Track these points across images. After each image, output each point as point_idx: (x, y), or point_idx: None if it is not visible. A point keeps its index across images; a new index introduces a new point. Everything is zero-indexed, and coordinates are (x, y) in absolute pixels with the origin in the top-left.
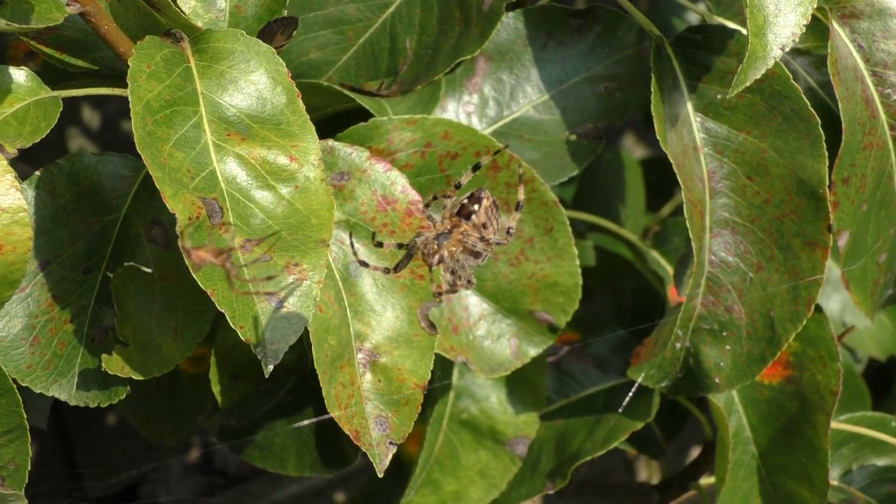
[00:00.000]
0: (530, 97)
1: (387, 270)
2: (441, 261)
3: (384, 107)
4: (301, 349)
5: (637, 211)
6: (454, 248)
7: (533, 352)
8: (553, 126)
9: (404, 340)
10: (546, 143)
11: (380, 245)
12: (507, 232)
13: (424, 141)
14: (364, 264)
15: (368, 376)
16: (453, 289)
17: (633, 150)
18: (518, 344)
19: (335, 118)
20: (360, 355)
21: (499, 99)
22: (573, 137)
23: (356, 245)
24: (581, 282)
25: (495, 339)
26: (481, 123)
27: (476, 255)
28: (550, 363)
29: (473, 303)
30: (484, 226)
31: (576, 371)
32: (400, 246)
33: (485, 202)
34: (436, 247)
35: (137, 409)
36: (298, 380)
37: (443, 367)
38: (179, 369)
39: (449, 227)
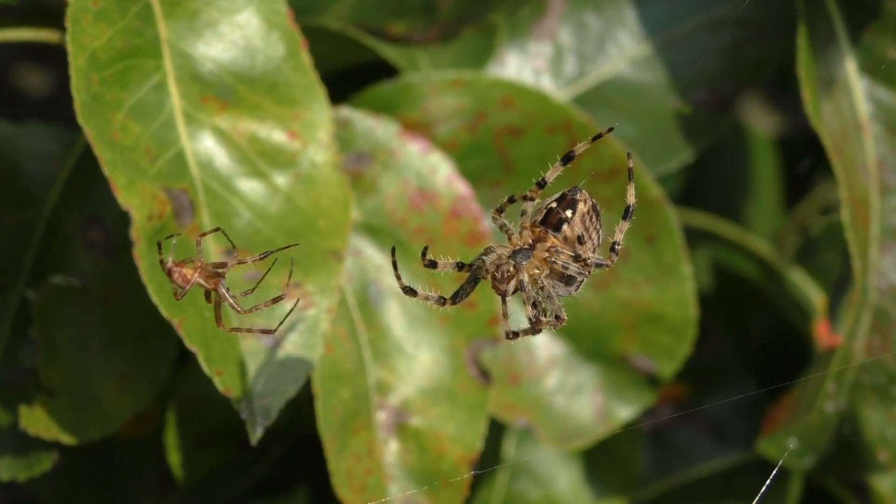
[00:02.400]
0: (626, 49)
1: (442, 301)
2: (520, 288)
3: (417, 59)
4: (296, 404)
5: (770, 213)
6: (538, 271)
7: (625, 413)
8: (657, 91)
9: (445, 394)
10: (647, 115)
11: (432, 265)
12: (612, 249)
13: (475, 110)
14: (410, 292)
15: (394, 445)
16: (535, 328)
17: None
18: (604, 401)
19: (346, 76)
20: (382, 415)
21: (581, 51)
22: (686, 107)
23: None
24: (696, 314)
25: (571, 395)
26: (556, 85)
27: (568, 280)
28: (648, 430)
29: (541, 343)
30: (579, 239)
31: (683, 441)
32: (460, 266)
33: (581, 207)
34: (512, 268)
35: (54, 487)
36: (290, 448)
37: (494, 433)
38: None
39: (531, 242)
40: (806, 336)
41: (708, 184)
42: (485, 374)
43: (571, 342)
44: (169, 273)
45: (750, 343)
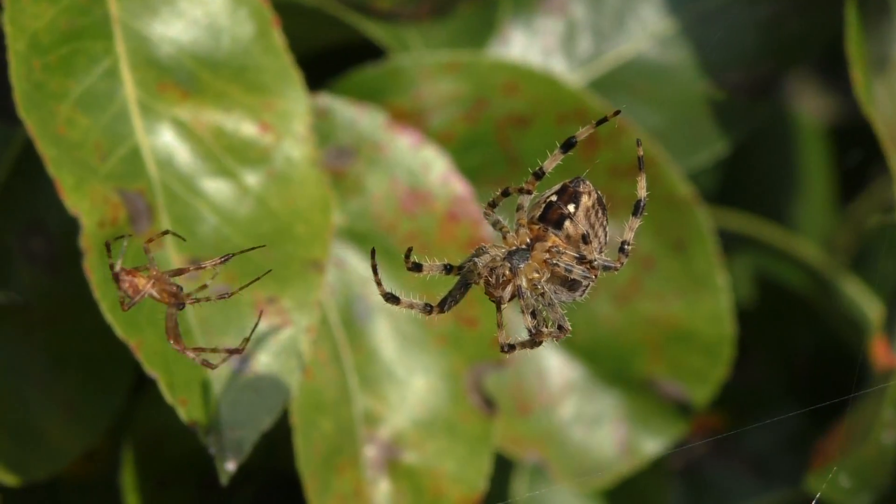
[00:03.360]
0: (649, 25)
1: (428, 309)
2: (517, 294)
3: (407, 38)
4: (270, 438)
5: (820, 213)
6: (537, 275)
7: (651, 446)
8: (685, 73)
9: (443, 426)
10: (674, 101)
11: (417, 268)
12: (621, 249)
13: (475, 96)
14: (392, 299)
15: (385, 485)
16: (535, 339)
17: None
18: (627, 433)
19: (324, 58)
20: (370, 450)
21: (597, 27)
22: (719, 91)
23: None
24: (733, 332)
25: (590, 426)
26: (568, 67)
27: (572, 284)
28: (678, 465)
29: (554, 366)
30: (584, 238)
31: (720, 478)
32: (448, 269)
33: (584, 200)
34: (508, 271)
35: None
36: (263, 488)
37: (501, 470)
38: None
39: (529, 241)
40: (860, 356)
41: (747, 180)
42: (489, 403)
43: (590, 364)
44: (116, 279)
45: (796, 364)
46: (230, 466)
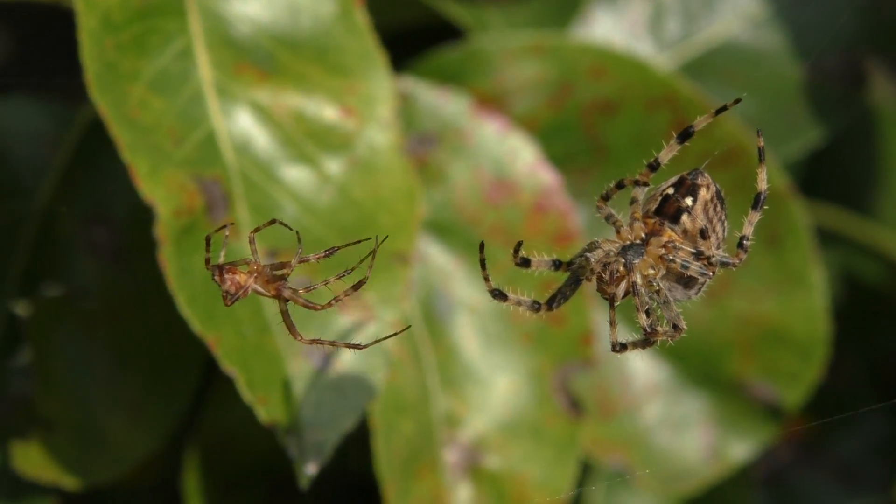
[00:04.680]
0: (741, 6)
1: (536, 307)
2: (631, 291)
3: (487, 18)
4: (345, 441)
5: None
6: (652, 271)
7: (739, 451)
8: (778, 58)
9: (528, 429)
10: (766, 88)
11: (525, 263)
12: (740, 244)
13: (560, 81)
14: (500, 296)
15: (466, 490)
16: (649, 339)
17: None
18: (714, 437)
19: (402, 38)
20: (451, 453)
21: (687, 7)
22: (815, 78)
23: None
24: (828, 331)
25: (676, 429)
26: (656, 50)
27: (688, 281)
28: (763, 472)
29: (639, 366)
30: (702, 233)
31: (807, 486)
32: (558, 265)
33: (703, 193)
34: (622, 268)
35: None
36: (336, 494)
37: (582, 473)
38: None
39: (644, 235)
40: None
41: (832, 172)
42: (576, 405)
43: (677, 364)
44: (220, 276)
45: (887, 367)
46: (310, 469)
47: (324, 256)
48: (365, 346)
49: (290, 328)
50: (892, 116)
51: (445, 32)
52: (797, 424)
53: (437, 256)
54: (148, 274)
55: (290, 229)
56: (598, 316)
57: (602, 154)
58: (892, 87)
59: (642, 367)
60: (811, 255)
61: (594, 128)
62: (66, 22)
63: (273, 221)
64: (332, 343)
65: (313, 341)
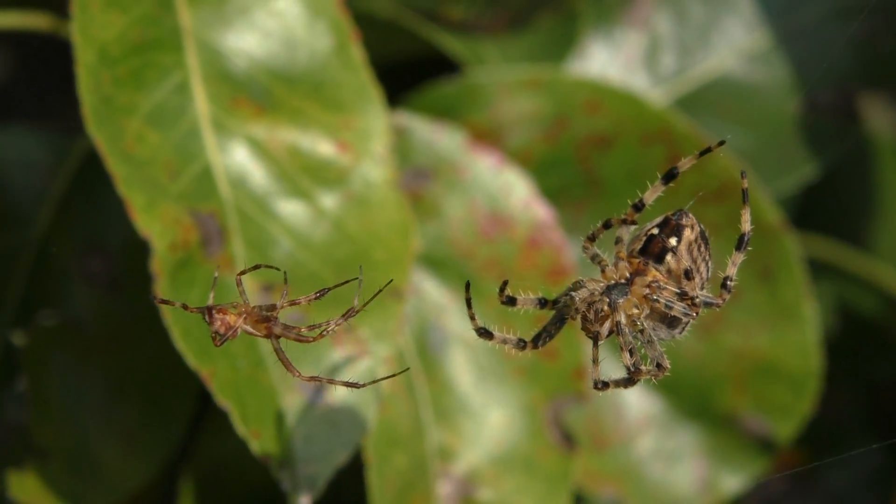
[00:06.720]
0: (736, 41)
1: (522, 345)
2: (615, 331)
3: (483, 52)
4: (338, 472)
5: None
6: (636, 310)
7: (732, 484)
8: (773, 92)
9: (521, 462)
10: (761, 122)
11: (511, 302)
12: (724, 285)
13: (555, 115)
14: (486, 334)
15: None
16: (632, 378)
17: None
18: (707, 470)
19: (397, 71)
20: (444, 486)
21: (682, 42)
22: (809, 113)
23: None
24: (820, 365)
25: (669, 462)
26: (652, 84)
27: (671, 321)
28: (757, 503)
29: (633, 399)
30: (686, 273)
31: None
32: (543, 303)
33: (687, 234)
34: (606, 307)
35: None
36: None
37: None
38: None
39: (628, 275)
40: None
41: (827, 203)
42: (568, 438)
43: (670, 397)
44: (210, 317)
45: (879, 399)
46: (304, 502)
47: (314, 298)
48: (363, 385)
49: (287, 365)
50: (887, 148)
51: (441, 65)
52: (791, 457)
53: (431, 290)
54: (143, 304)
55: (278, 270)
56: (589, 351)
57: (597, 188)
58: (886, 119)
59: (635, 399)
60: (804, 290)
61: (589, 162)
62: (63, 50)
63: (257, 267)
64: (330, 380)
65: (311, 378)
